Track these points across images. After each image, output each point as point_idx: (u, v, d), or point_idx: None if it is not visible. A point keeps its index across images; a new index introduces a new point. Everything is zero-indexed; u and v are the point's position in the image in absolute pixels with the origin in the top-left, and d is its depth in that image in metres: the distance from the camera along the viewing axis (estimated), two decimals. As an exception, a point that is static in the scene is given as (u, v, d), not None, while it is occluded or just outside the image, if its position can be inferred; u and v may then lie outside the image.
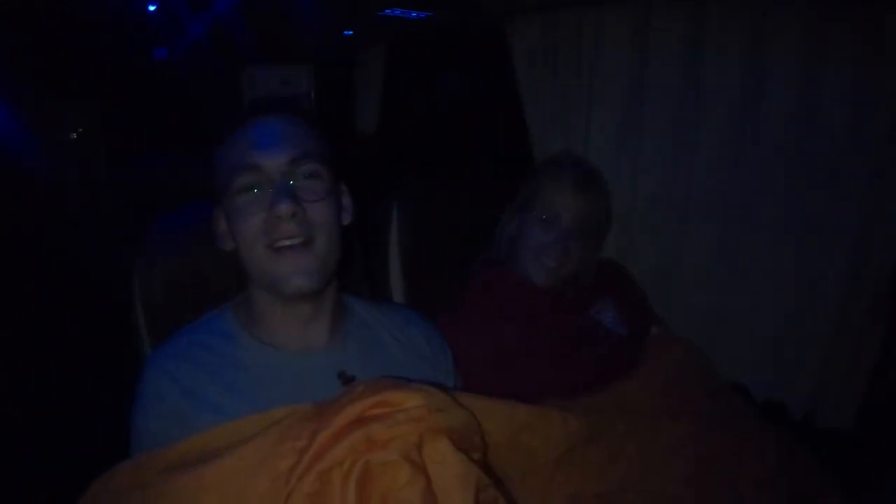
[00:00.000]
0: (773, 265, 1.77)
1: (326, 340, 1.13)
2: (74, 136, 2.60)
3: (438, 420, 0.84)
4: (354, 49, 2.78)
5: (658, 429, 1.30)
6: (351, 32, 2.47)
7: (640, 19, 1.85)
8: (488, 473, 0.87)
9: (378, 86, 2.77)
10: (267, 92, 2.75)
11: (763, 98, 1.72)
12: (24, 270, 2.47)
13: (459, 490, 0.80)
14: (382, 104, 2.75)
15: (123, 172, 2.40)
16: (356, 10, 2.14)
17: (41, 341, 2.42)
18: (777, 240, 1.76)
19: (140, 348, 1.25)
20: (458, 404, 0.91)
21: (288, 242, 1.02)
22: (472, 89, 2.87)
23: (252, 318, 1.12)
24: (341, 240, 1.10)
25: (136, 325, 1.24)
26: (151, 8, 2.01)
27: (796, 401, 1.76)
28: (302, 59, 2.79)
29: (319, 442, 0.80)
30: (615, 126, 1.97)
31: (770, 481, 1.28)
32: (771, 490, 1.27)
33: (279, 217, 1.01)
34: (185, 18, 2.15)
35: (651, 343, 1.62)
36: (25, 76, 2.47)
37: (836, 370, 1.70)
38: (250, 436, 0.85)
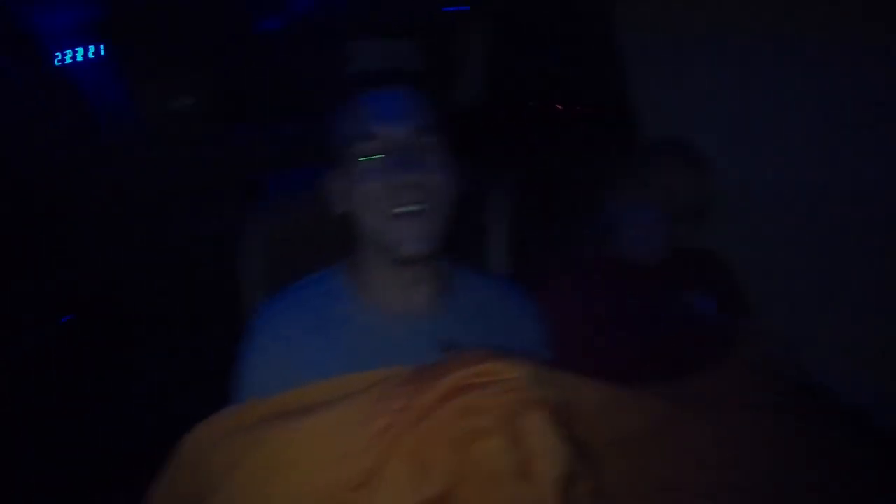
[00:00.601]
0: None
1: (429, 306, 1.15)
2: (177, 103, 2.71)
3: (536, 392, 0.83)
4: (456, 24, 2.77)
5: (738, 422, 1.26)
6: (454, 9, 2.46)
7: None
8: (579, 448, 0.87)
9: (479, 62, 2.76)
10: (371, 66, 2.78)
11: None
12: (129, 233, 2.61)
13: (552, 462, 0.79)
14: (483, 80, 2.74)
15: (227, 139, 2.50)
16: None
17: (147, 302, 2.56)
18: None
19: (242, 308, 1.30)
20: (555, 378, 0.91)
21: (406, 209, 1.05)
22: (575, 67, 2.81)
23: (361, 280, 1.15)
24: (453, 208, 1.12)
25: (240, 285, 1.30)
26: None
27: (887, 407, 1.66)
28: (407, 33, 2.81)
29: (418, 405, 0.81)
30: (729, 114, 1.89)
31: (844, 484, 1.23)
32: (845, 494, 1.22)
33: (400, 185, 1.04)
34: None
35: (741, 334, 1.54)
36: (130, 44, 2.57)
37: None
38: (349, 393, 0.87)
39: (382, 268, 1.12)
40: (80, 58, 2.60)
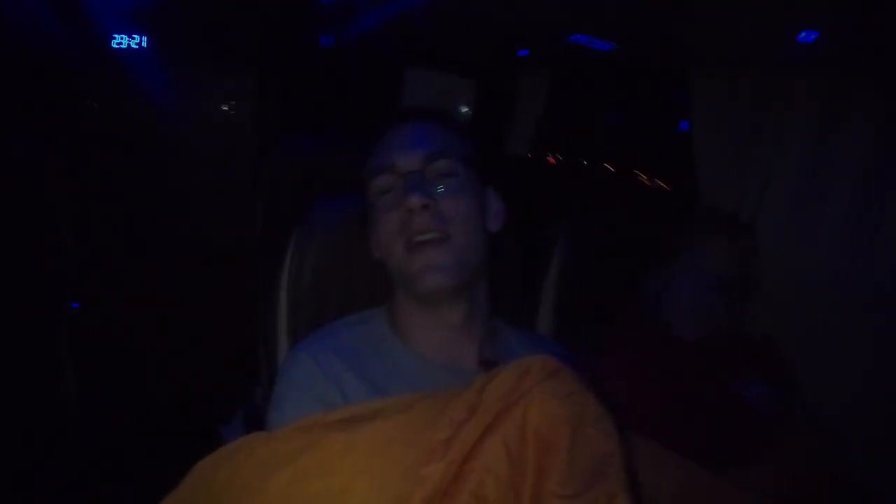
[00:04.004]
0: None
1: (475, 361, 1.09)
2: (226, 108, 2.66)
3: (597, 404, 0.83)
4: (521, 70, 2.73)
5: None
6: (526, 53, 2.41)
7: (831, 89, 1.81)
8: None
9: (538, 110, 2.70)
10: (425, 98, 2.74)
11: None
12: (168, 241, 2.56)
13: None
14: (540, 131, 2.69)
15: (278, 150, 2.46)
16: (540, 31, 2.08)
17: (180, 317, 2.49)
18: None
19: (275, 332, 1.23)
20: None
21: (422, 238, 1.02)
22: (636, 131, 2.77)
23: (399, 324, 1.12)
24: (483, 242, 1.09)
25: (277, 306, 1.22)
26: (327, -5, 2.02)
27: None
28: (467, 71, 2.77)
29: (479, 416, 0.79)
30: (792, 196, 1.91)
31: None
32: None
33: (411, 210, 1.02)
34: (358, 10, 2.16)
35: (791, 429, 1.52)
36: (187, 43, 2.56)
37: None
38: (406, 407, 0.85)
39: (417, 311, 1.09)
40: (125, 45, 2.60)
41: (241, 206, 2.48)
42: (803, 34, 1.58)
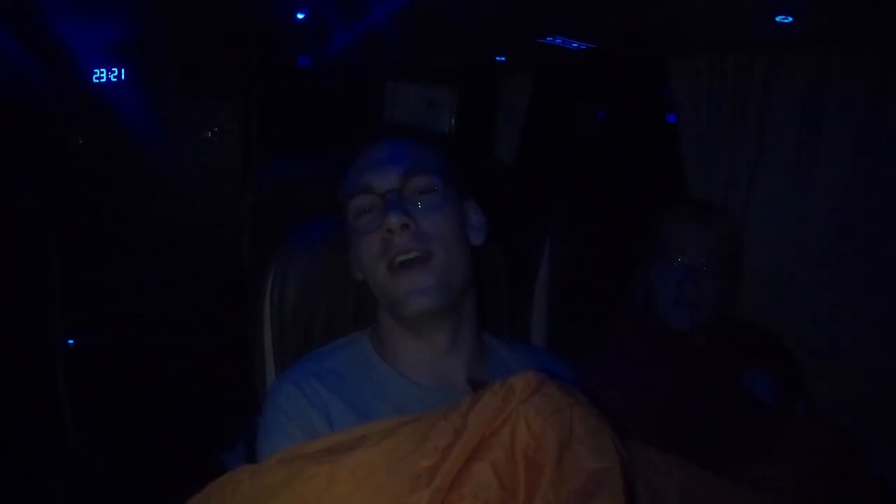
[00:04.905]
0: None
1: (465, 380, 1.06)
2: (209, 134, 2.69)
3: (593, 415, 0.80)
4: (500, 75, 2.73)
5: None
6: (504, 59, 2.41)
7: (818, 63, 1.79)
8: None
9: (521, 114, 2.70)
10: (408, 110, 2.75)
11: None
12: (152, 263, 2.56)
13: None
14: (524, 133, 2.69)
15: (263, 173, 2.47)
16: (515, 36, 2.08)
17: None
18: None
19: (262, 357, 1.21)
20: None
21: (404, 258, 1.00)
22: (620, 125, 2.76)
23: (385, 348, 1.10)
24: (467, 256, 1.07)
25: (261, 328, 1.21)
26: (300, 16, 2.02)
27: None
28: (448, 80, 2.77)
29: (464, 440, 0.76)
30: (781, 180, 1.90)
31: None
32: None
33: (391, 231, 1.00)
34: (333, 29, 2.16)
35: (796, 422, 1.50)
36: (166, 73, 2.57)
37: None
38: (389, 432, 0.83)
39: (402, 333, 1.07)
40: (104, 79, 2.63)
41: (231, 229, 2.48)
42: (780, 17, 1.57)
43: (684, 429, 1.37)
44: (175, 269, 2.56)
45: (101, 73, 2.58)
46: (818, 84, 1.81)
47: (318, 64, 2.53)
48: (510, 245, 1.24)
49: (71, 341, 2.15)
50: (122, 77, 2.57)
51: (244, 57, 2.52)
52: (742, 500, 1.18)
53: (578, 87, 2.61)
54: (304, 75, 2.60)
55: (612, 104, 2.62)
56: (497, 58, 2.42)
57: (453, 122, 2.81)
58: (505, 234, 1.23)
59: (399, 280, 1.00)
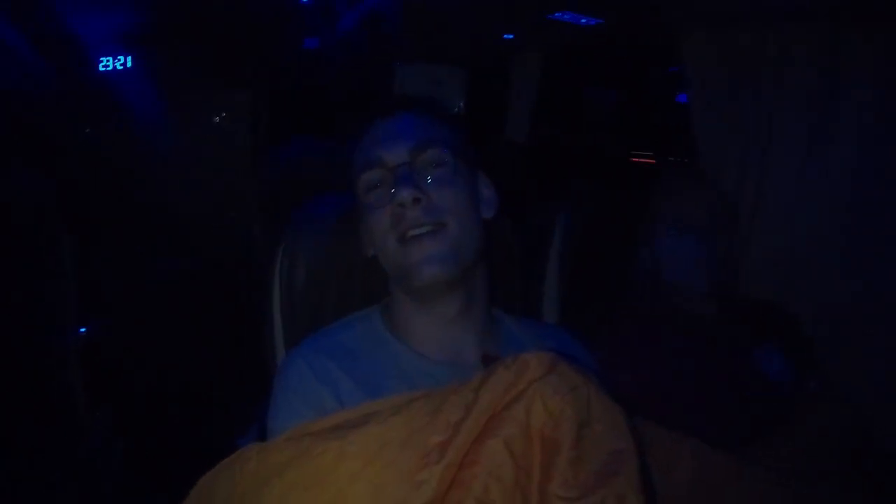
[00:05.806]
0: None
1: (477, 355, 1.05)
2: (218, 119, 2.68)
3: (605, 396, 0.79)
4: (511, 54, 2.69)
5: (805, 492, 1.21)
6: (511, 36, 2.38)
7: (829, 38, 1.75)
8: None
9: (531, 93, 2.67)
10: (417, 89, 2.72)
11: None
12: (162, 248, 2.57)
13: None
14: (534, 112, 2.66)
15: (273, 155, 2.46)
16: (522, 12, 2.05)
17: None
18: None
19: (271, 336, 1.21)
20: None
21: (416, 231, 1.00)
22: (629, 101, 2.73)
23: (396, 322, 1.09)
24: (478, 229, 1.06)
25: (271, 306, 1.21)
26: (305, -1, 2.01)
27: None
28: (457, 60, 2.74)
29: (475, 416, 0.76)
30: (794, 158, 1.86)
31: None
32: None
33: (402, 205, 0.99)
34: (339, 10, 2.14)
35: (808, 400, 1.49)
36: (175, 59, 2.57)
37: None
38: (399, 407, 0.82)
39: (414, 307, 1.07)
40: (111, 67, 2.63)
41: (241, 212, 2.48)
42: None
43: (696, 406, 1.36)
44: (186, 253, 2.56)
45: (108, 61, 2.58)
46: (831, 64, 1.77)
47: (325, 45, 2.51)
48: (521, 220, 1.22)
49: (83, 329, 2.17)
50: (129, 65, 2.56)
51: (251, 40, 2.51)
52: (753, 478, 1.17)
53: (590, 65, 2.58)
54: (312, 57, 2.58)
55: (625, 84, 2.60)
56: (505, 35, 2.38)
57: (462, 102, 2.78)
58: (516, 208, 1.21)
59: (410, 249, 1.00)
